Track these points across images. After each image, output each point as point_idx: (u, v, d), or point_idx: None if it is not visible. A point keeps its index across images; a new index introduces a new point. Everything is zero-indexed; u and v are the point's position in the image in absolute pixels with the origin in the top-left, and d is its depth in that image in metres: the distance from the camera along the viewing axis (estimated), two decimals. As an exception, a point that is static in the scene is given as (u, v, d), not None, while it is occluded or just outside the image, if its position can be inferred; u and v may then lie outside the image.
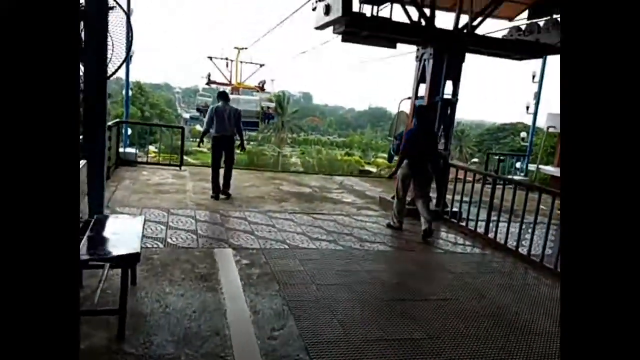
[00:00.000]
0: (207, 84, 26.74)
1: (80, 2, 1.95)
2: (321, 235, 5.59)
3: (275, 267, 4.32)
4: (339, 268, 4.49)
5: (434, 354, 3.03)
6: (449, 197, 7.12)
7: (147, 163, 9.93)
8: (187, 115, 42.49)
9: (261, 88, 24.05)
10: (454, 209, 6.92)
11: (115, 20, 2.04)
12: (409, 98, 7.56)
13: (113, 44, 2.05)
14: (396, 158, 6.50)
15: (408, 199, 6.37)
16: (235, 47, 25.52)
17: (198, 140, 8.59)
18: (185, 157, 10.43)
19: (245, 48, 24.37)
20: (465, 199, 6.59)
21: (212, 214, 6.08)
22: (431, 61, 6.95)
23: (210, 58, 25.33)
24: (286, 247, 5.01)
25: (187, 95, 73.93)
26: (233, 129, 7.12)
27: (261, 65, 24.78)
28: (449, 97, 7.23)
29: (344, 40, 6.47)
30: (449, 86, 7.21)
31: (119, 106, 20.81)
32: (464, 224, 6.55)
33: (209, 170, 7.41)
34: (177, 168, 9.41)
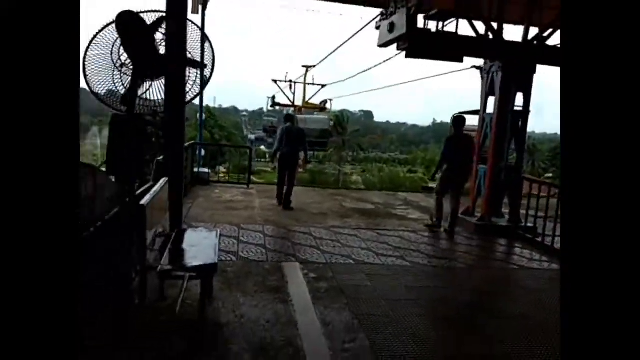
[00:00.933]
0: (272, 106, 27.80)
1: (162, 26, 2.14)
2: (387, 251, 5.54)
3: (343, 281, 4.35)
4: (408, 284, 4.41)
5: (514, 376, 2.87)
6: (522, 212, 6.77)
7: (218, 182, 10.46)
8: (252, 137, 44.22)
9: (323, 108, 24.56)
10: (529, 224, 6.57)
11: (196, 46, 2.24)
12: (461, 113, 7.74)
13: (199, 71, 2.24)
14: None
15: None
16: (304, 66, 25.70)
17: (271, 158, 9.36)
18: (251, 177, 10.89)
19: (314, 66, 24.58)
20: (541, 214, 6.23)
21: (279, 229, 6.25)
22: (500, 74, 6.75)
23: (275, 81, 26.36)
24: (352, 262, 5.02)
25: (252, 118, 77.11)
26: (298, 148, 7.70)
27: (323, 86, 25.38)
28: (520, 109, 6.96)
29: (408, 56, 6.48)
30: (519, 98, 6.95)
31: (193, 129, 22.17)
32: (539, 239, 6.18)
33: (274, 187, 7.71)
34: (245, 186, 9.82)
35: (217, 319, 3.35)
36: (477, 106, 7.48)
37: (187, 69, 2.40)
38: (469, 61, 7.24)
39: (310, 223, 6.77)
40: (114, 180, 3.11)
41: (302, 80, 28.18)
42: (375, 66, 12.66)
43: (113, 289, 3.00)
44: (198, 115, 12.16)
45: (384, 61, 12.31)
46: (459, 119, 6.91)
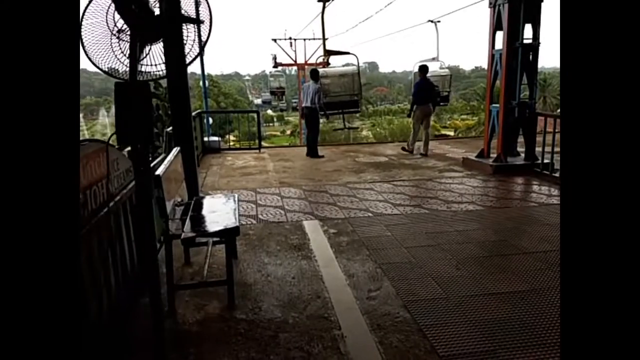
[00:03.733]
0: (274, 66, 27.23)
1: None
2: (404, 201, 5.54)
3: (363, 234, 4.39)
4: (428, 230, 4.44)
5: (542, 306, 2.91)
6: (538, 149, 6.66)
7: (229, 149, 10.47)
8: (258, 101, 43.62)
9: (326, 63, 23.88)
10: (546, 161, 6.47)
11: (190, 2, 2.16)
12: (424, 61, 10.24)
13: (196, 29, 2.16)
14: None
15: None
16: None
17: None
18: (261, 141, 10.87)
19: None
20: (557, 149, 6.12)
21: (295, 190, 6.28)
22: (507, 5, 6.43)
23: (275, 40, 25.66)
24: (370, 215, 5.04)
25: (256, 82, 76.04)
26: (316, 103, 8.85)
27: (325, 40, 24.53)
28: (530, 41, 6.68)
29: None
30: (528, 30, 6.66)
31: (197, 100, 21.96)
32: (557, 175, 6.11)
33: (286, 150, 7.77)
34: (257, 151, 9.82)
35: (244, 280, 3.43)
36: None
37: (185, 27, 2.31)
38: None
39: (325, 181, 6.78)
40: (125, 152, 3.13)
41: (303, 35, 27.15)
42: (377, 12, 12.28)
43: (139, 260, 3.08)
44: (201, 83, 12.01)
45: (386, 6, 11.98)
46: (423, 67, 9.04)
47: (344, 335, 2.65)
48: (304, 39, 25.79)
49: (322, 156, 8.86)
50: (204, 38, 2.38)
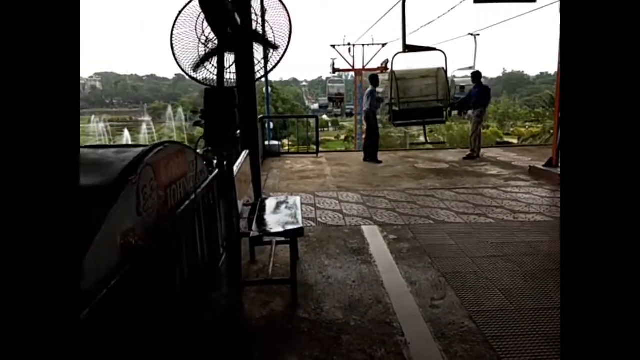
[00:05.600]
0: (332, 72, 27.48)
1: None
2: (468, 209, 5.39)
3: (424, 241, 4.32)
4: (494, 240, 4.28)
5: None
6: None
7: (288, 153, 10.71)
8: (315, 106, 44.09)
9: (384, 68, 23.79)
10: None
11: (277, 20, 2.26)
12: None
13: (274, 40, 2.27)
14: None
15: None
16: None
17: (387, 117, 9.59)
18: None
19: None
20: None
21: (353, 194, 6.31)
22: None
23: (333, 46, 25.93)
24: (432, 222, 4.95)
25: (312, 87, 77.10)
26: (371, 108, 8.75)
27: (383, 45, 24.51)
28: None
29: (477, 1, 6.06)
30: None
31: (258, 105, 22.65)
32: None
33: (343, 155, 7.81)
34: (314, 155, 9.96)
35: (305, 280, 3.51)
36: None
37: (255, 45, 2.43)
38: (542, 2, 6.61)
39: (383, 187, 6.75)
40: (206, 152, 3.31)
41: (362, 41, 27.02)
42: (439, 17, 11.92)
43: (209, 256, 3.25)
44: (264, 89, 12.40)
45: (449, 10, 11.54)
46: (479, 74, 8.92)
47: (407, 341, 2.63)
48: (363, 45, 25.79)
49: (381, 161, 8.82)
50: (276, 58, 2.48)
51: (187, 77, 2.07)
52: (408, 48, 8.21)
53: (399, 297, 3.19)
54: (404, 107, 8.73)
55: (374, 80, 9.13)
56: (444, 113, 8.99)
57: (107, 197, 1.94)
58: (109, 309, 1.69)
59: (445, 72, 8.78)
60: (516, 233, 4.48)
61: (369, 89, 9.02)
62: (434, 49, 8.48)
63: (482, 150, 8.73)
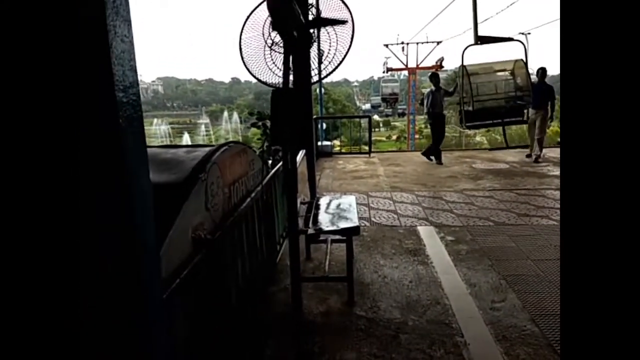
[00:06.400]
0: (384, 71, 27.32)
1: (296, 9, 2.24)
2: (530, 211, 5.17)
3: (484, 243, 4.20)
4: (557, 243, 4.09)
5: None
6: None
7: (340, 153, 10.77)
8: (367, 106, 43.91)
9: (439, 66, 23.25)
10: None
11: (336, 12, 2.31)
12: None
13: (336, 47, 2.32)
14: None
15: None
16: None
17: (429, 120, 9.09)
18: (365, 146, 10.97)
19: None
20: None
21: (408, 195, 6.24)
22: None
23: (387, 45, 25.73)
24: (491, 224, 4.80)
25: (363, 87, 76.77)
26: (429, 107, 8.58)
27: (438, 43, 23.97)
28: None
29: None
30: None
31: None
32: None
33: (396, 155, 7.74)
34: (367, 155, 9.94)
35: (361, 279, 3.53)
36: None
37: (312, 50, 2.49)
38: None
39: (439, 187, 6.62)
40: (262, 152, 3.44)
41: (416, 39, 26.84)
42: (498, 13, 11.50)
43: (267, 252, 3.36)
44: (317, 90, 12.56)
45: (508, 6, 11.06)
46: (545, 71, 8.14)
47: (467, 342, 2.58)
48: (417, 43, 25.38)
49: (441, 163, 8.59)
50: (337, 59, 2.53)
51: (254, 79, 2.18)
52: (480, 40, 7.14)
53: (458, 299, 3.14)
54: (478, 106, 7.79)
55: (435, 78, 8.70)
56: (525, 112, 7.89)
57: (181, 194, 2.08)
58: (181, 296, 1.82)
59: (526, 64, 7.67)
60: (584, 236, 4.24)
61: (432, 89, 8.66)
62: (511, 39, 7.33)
63: (544, 151, 8.31)
